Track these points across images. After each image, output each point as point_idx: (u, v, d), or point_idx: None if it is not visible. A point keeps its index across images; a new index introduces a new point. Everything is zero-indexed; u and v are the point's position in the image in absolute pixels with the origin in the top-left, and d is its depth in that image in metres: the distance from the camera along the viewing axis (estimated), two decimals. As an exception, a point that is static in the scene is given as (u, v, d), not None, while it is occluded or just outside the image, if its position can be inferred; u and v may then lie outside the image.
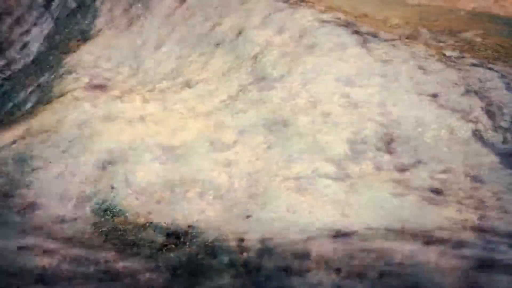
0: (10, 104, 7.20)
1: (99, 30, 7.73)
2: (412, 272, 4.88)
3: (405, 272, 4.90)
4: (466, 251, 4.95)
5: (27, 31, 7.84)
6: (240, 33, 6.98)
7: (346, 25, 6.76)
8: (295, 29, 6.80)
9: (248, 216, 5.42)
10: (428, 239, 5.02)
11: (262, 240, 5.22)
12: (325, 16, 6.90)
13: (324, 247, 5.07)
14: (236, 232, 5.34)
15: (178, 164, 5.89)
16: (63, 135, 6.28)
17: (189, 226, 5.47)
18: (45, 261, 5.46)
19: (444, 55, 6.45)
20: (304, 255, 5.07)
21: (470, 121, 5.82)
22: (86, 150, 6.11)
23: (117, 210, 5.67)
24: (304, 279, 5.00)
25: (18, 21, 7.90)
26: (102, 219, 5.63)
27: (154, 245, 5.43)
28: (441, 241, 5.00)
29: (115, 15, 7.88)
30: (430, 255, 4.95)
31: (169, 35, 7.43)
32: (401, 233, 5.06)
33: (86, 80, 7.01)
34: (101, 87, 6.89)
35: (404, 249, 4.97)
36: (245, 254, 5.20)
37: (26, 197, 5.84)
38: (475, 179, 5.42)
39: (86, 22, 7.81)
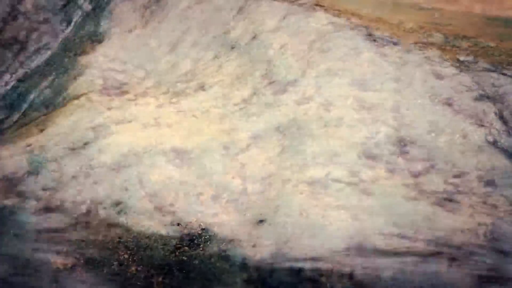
0: (25, 106, 7.23)
1: (114, 32, 7.76)
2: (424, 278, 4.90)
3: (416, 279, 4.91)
4: (479, 257, 4.95)
5: (44, 33, 7.89)
6: (254, 36, 6.99)
7: (360, 29, 6.76)
8: (310, 33, 6.81)
9: (261, 220, 5.44)
10: (441, 245, 5.02)
11: (275, 244, 5.24)
12: (339, 20, 6.90)
13: (337, 252, 5.09)
14: (249, 236, 5.36)
15: (192, 168, 5.92)
16: (78, 138, 6.32)
17: (202, 229, 5.50)
18: (59, 262, 5.51)
19: (458, 59, 6.44)
20: (317, 260, 5.09)
21: (484, 126, 5.82)
22: (101, 153, 6.15)
23: (131, 212, 5.71)
24: (317, 284, 5.01)
25: (35, 24, 7.95)
26: (116, 221, 5.67)
27: (168, 248, 5.47)
28: (453, 247, 5.00)
29: (130, 17, 7.92)
30: (442, 260, 4.96)
31: (184, 37, 7.44)
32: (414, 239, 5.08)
33: (101, 82, 7.04)
34: (115, 90, 6.93)
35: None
36: (258, 258, 5.22)
37: (42, 199, 5.90)
38: (488, 183, 5.42)
39: (101, 24, 7.85)
